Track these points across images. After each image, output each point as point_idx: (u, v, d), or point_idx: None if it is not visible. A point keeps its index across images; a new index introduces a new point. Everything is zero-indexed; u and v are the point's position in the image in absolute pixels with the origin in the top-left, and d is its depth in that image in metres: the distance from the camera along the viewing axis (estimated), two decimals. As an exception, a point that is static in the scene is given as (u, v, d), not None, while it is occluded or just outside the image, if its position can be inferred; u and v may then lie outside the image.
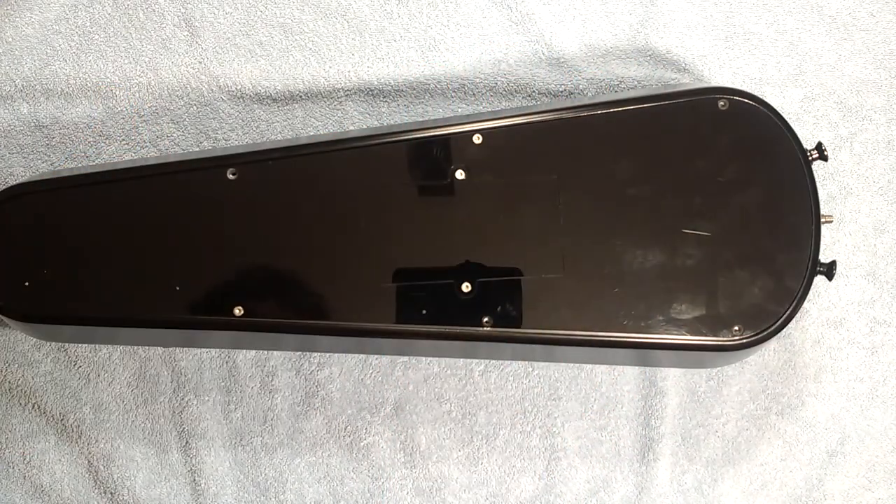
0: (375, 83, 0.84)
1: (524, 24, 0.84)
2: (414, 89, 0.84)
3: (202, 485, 0.83)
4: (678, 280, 0.71)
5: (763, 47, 0.87)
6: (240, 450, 0.84)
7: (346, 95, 0.84)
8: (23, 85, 0.82)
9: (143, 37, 0.83)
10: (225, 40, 0.84)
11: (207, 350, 0.83)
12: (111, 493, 0.83)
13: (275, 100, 0.84)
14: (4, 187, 0.76)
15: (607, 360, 0.83)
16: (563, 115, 0.73)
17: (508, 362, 0.85)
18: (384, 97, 0.84)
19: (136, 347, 0.83)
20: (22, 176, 0.84)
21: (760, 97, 0.74)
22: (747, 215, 0.72)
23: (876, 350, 0.87)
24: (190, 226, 0.72)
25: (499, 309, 0.71)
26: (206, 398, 0.83)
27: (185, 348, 0.83)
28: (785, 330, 0.72)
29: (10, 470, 0.83)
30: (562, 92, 0.85)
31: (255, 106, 0.84)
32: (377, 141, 0.73)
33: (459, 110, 0.85)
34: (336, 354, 0.84)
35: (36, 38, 0.83)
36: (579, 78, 0.85)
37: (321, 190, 0.72)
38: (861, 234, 0.87)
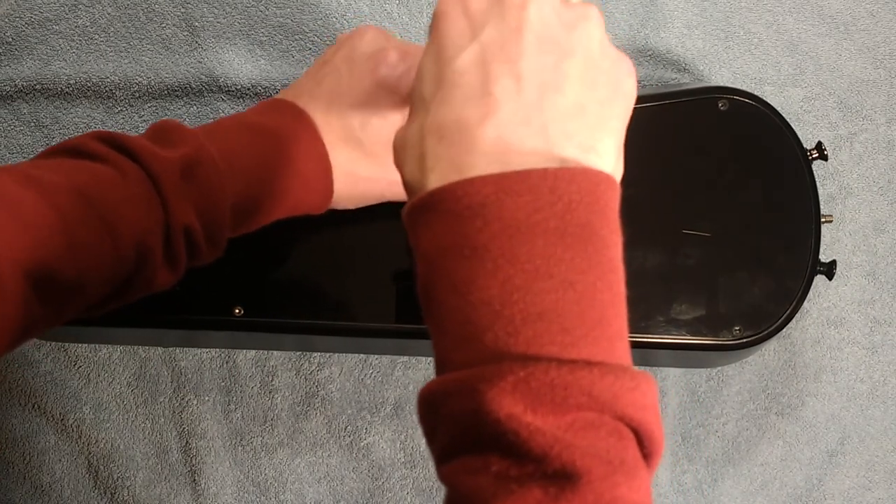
0: (375, 83, 0.84)
1: (524, 24, 0.84)
2: (414, 89, 0.84)
3: (202, 485, 0.83)
4: (678, 280, 0.71)
5: (763, 47, 0.87)
6: (240, 450, 0.84)
7: (346, 95, 0.84)
8: (23, 85, 0.82)
9: (143, 37, 0.83)
10: (225, 40, 0.84)
11: (207, 350, 0.83)
12: (111, 493, 0.83)
13: (275, 100, 0.84)
14: (4, 187, 0.76)
15: (607, 360, 0.82)
16: (563, 114, 0.73)
17: (508, 362, 0.85)
18: (384, 97, 0.84)
19: (136, 347, 0.83)
20: (22, 176, 0.84)
21: (760, 97, 0.74)
22: (747, 215, 0.72)
23: (876, 350, 0.87)
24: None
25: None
26: (206, 398, 0.83)
27: (185, 348, 0.83)
28: (785, 330, 0.72)
29: (10, 470, 0.83)
30: (562, 92, 0.85)
31: (255, 106, 0.84)
32: (377, 141, 0.72)
33: (459, 110, 0.85)
34: (336, 354, 0.84)
35: (36, 38, 0.83)
36: (579, 78, 0.84)
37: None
38: (861, 234, 0.87)
